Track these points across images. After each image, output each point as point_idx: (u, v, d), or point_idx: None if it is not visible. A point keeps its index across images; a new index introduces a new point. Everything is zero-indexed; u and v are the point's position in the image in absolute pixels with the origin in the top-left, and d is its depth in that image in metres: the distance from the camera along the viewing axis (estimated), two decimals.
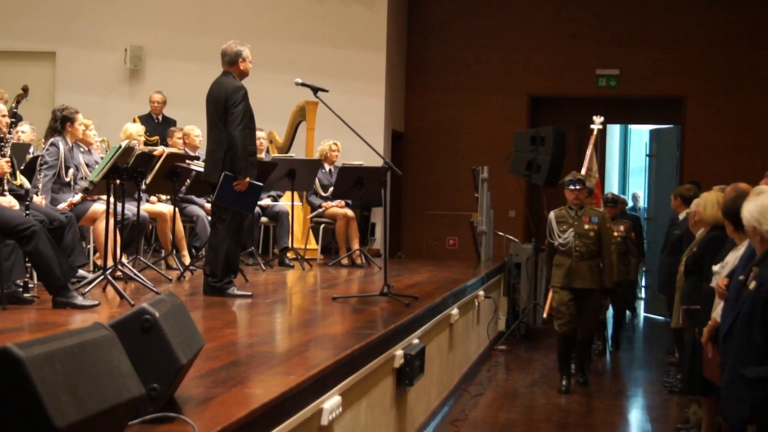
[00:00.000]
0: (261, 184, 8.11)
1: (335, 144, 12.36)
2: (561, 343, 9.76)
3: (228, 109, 8.00)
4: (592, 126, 13.01)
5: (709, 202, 7.59)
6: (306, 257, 11.56)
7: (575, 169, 11.48)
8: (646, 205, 17.96)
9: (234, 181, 7.94)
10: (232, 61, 8.22)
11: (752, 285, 5.12)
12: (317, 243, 12.42)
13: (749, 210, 5.12)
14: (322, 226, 12.22)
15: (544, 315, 11.41)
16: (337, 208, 12.06)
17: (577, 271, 9.59)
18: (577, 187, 9.73)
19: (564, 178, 10.07)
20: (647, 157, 17.32)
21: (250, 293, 8.12)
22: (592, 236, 9.64)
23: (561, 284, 9.65)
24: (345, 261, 11.74)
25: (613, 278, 9.97)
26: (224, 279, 8.10)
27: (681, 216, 9.69)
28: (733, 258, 6.19)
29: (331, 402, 4.87)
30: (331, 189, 12.03)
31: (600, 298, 10.08)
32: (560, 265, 9.69)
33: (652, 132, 17.36)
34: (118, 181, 8.07)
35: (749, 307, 5.08)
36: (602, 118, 13.01)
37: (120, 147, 8.00)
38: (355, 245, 11.91)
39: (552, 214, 9.87)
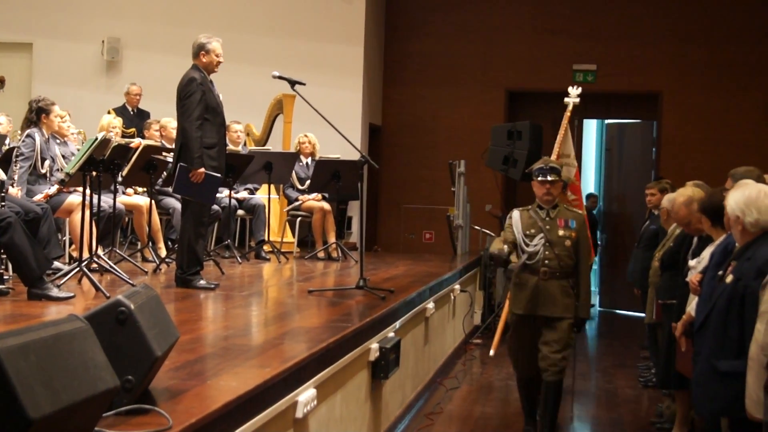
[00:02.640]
0: (218, 175, 8.09)
1: (305, 136, 12.36)
2: (522, 387, 7.80)
3: (181, 100, 8.09)
4: (566, 99, 11.07)
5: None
6: (282, 250, 11.55)
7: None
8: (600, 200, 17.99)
9: (189, 172, 8.00)
10: (195, 54, 8.27)
11: (729, 279, 5.16)
12: (294, 236, 12.42)
13: (735, 200, 5.15)
14: (299, 219, 12.22)
15: (491, 351, 9.24)
16: (314, 201, 12.05)
17: (545, 292, 7.27)
18: (549, 178, 7.31)
19: (532, 166, 7.59)
20: (605, 152, 17.41)
21: (213, 285, 8.11)
22: (568, 246, 7.29)
23: (523, 310, 7.36)
24: (321, 254, 11.74)
25: (589, 305, 7.59)
26: (189, 270, 8.11)
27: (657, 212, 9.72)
28: (709, 253, 6.23)
29: (306, 395, 4.88)
30: (308, 182, 12.03)
31: (570, 331, 7.39)
32: (522, 285, 7.36)
33: (608, 126, 17.44)
34: (94, 173, 8.05)
35: (725, 301, 5.11)
36: (579, 89, 11.16)
37: (96, 139, 7.97)
38: (332, 238, 11.92)
39: (515, 216, 7.49)
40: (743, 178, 6.18)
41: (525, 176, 9.84)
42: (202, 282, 8.08)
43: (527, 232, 7.35)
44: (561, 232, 7.32)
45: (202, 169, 7.98)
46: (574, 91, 11.10)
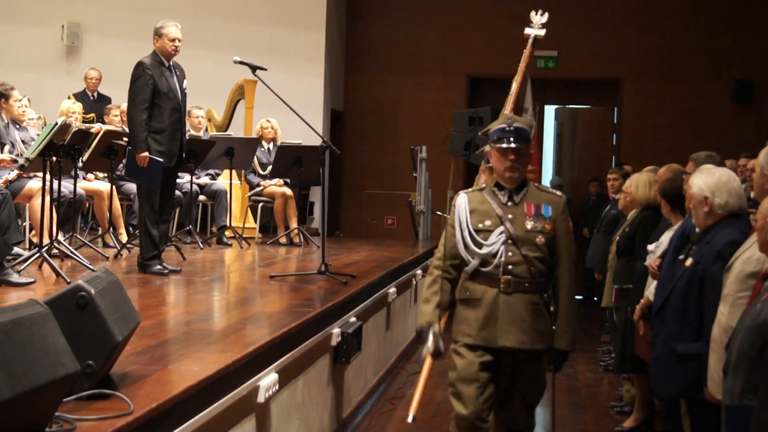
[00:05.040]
0: (161, 159, 8.07)
1: (267, 121, 12.35)
2: None
3: (130, 85, 8.12)
4: (527, 30, 8.66)
5: (641, 183, 7.73)
6: (244, 236, 11.54)
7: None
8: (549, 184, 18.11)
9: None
10: (153, 39, 8.28)
11: (689, 262, 5.23)
12: (255, 222, 12.40)
13: (704, 181, 5.20)
14: (261, 204, 12.21)
15: (411, 413, 5.46)
16: (276, 186, 12.04)
17: (508, 313, 5.01)
18: (514, 144, 5.05)
19: (489, 126, 5.31)
20: (555, 137, 17.53)
21: (167, 271, 8.09)
22: (541, 243, 5.03)
23: (473, 339, 5.09)
24: (283, 240, 11.74)
25: (573, 332, 5.14)
26: (146, 255, 8.12)
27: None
28: (667, 238, 6.30)
29: (267, 379, 4.90)
30: (270, 168, 12.01)
31: (542, 371, 5.22)
32: (472, 301, 5.11)
33: (557, 111, 17.54)
34: (54, 159, 8.01)
35: (685, 285, 5.19)
36: (544, 18, 8.66)
37: (56, 124, 7.93)
38: (294, 224, 11.92)
39: (460, 202, 5.19)
40: (705, 162, 6.25)
41: (487, 161, 6.83)
42: (157, 267, 8.07)
43: (480, 226, 5.07)
44: (530, 224, 5.03)
45: (145, 153, 7.99)
46: (538, 19, 8.68)
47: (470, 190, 5.31)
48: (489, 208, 5.10)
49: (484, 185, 5.32)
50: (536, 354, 5.09)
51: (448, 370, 5.26)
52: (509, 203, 5.10)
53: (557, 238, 5.10)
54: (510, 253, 5.01)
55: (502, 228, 5.02)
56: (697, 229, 5.35)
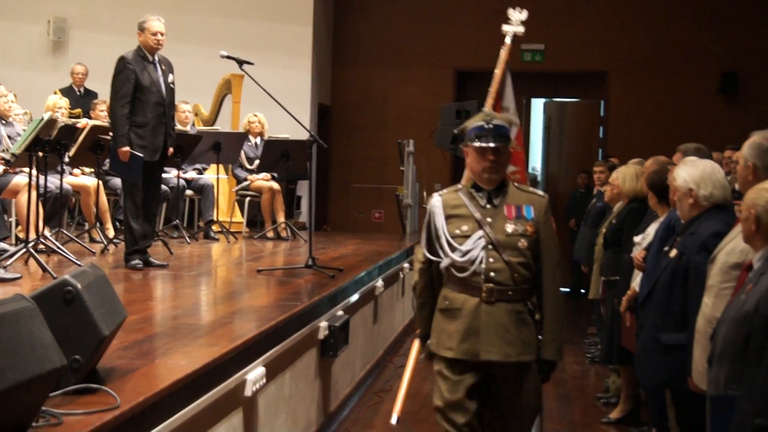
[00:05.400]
0: (140, 155, 8.06)
1: (255, 116, 12.35)
2: None
3: (111, 80, 8.16)
4: (505, 27, 8.17)
5: (627, 175, 7.75)
6: (231, 230, 11.54)
7: None
8: (540, 177, 18.13)
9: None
10: (137, 33, 8.32)
11: (673, 253, 5.25)
12: (243, 216, 12.41)
13: (689, 173, 5.24)
14: (248, 199, 12.21)
15: (394, 417, 6.21)
16: (263, 181, 12.05)
17: (489, 324, 4.65)
18: (493, 143, 4.70)
19: (466, 123, 4.90)
20: (544, 130, 17.59)
21: (140, 266, 8.09)
22: (524, 248, 4.68)
23: (455, 353, 4.71)
24: (270, 234, 11.74)
25: (561, 340, 4.82)
26: (128, 249, 8.13)
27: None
28: (653, 230, 6.32)
29: (255, 373, 4.92)
30: (257, 162, 12.01)
31: (536, 382, 4.84)
32: (452, 311, 4.75)
33: (546, 104, 17.57)
34: (40, 154, 8.01)
35: (669, 275, 5.22)
36: (524, 15, 8.17)
37: (42, 119, 7.93)
38: (281, 218, 11.92)
39: (435, 203, 4.82)
40: (694, 155, 6.29)
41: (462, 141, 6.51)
42: (133, 262, 8.07)
43: (456, 231, 4.71)
44: (511, 227, 4.69)
45: (126, 148, 8.00)
46: (517, 16, 8.22)
47: (444, 191, 4.88)
48: (466, 212, 4.73)
49: (460, 186, 4.90)
50: (524, 367, 4.72)
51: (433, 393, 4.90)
52: (488, 206, 4.73)
53: (540, 241, 4.74)
54: (491, 259, 4.64)
55: (480, 232, 4.66)
56: (682, 221, 5.38)
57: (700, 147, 6.75)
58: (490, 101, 7.79)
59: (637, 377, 6.06)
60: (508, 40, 8.10)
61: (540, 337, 4.73)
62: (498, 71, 7.96)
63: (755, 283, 3.94)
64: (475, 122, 4.78)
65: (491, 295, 4.63)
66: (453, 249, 4.67)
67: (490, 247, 4.63)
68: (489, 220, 4.68)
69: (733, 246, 4.59)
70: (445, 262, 4.71)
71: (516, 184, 4.88)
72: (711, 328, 4.38)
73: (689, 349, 4.80)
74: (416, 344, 5.64)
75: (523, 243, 4.66)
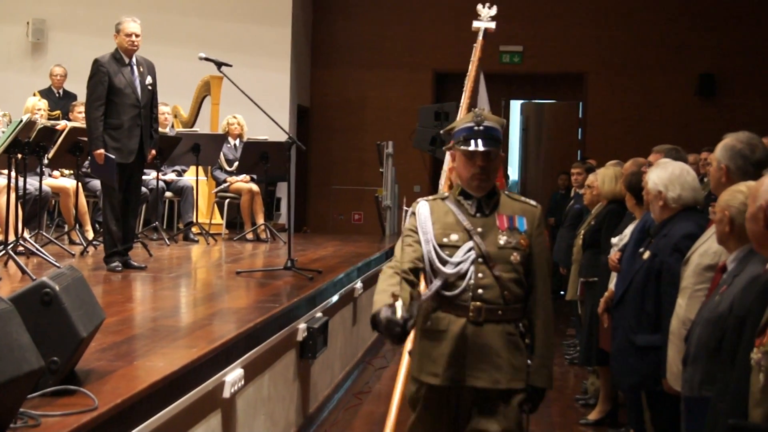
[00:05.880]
0: (113, 156, 8.07)
1: (234, 117, 12.35)
2: None
3: (87, 83, 8.20)
4: (475, 24, 7.83)
5: (606, 177, 7.78)
6: (211, 232, 11.54)
7: None
8: (517, 178, 18.20)
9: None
10: (114, 35, 8.33)
11: (646, 255, 5.30)
12: (222, 218, 12.41)
13: (658, 176, 5.31)
14: (227, 200, 12.22)
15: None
16: (242, 182, 12.05)
17: (477, 347, 4.15)
18: (483, 147, 4.18)
19: (453, 124, 4.42)
20: (521, 131, 17.66)
21: (119, 269, 8.06)
22: (516, 262, 4.20)
23: (440, 378, 4.20)
24: (250, 236, 11.75)
25: (551, 366, 4.32)
26: (107, 251, 8.15)
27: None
28: (630, 231, 6.36)
29: (233, 375, 4.93)
30: (236, 164, 12.01)
31: (520, 413, 4.27)
32: (435, 333, 4.23)
33: (523, 105, 17.63)
34: (19, 156, 8.01)
35: (643, 277, 5.26)
36: (493, 11, 7.84)
37: (21, 121, 7.93)
38: (260, 220, 11.93)
39: (421, 210, 4.31)
40: (668, 155, 6.34)
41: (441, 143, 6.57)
42: (113, 264, 8.06)
43: (444, 240, 4.21)
44: (503, 239, 4.21)
45: (100, 150, 8.00)
46: (486, 12, 7.85)
47: (430, 198, 4.41)
48: (454, 220, 4.23)
49: (446, 194, 4.41)
50: (512, 395, 4.19)
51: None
52: (478, 214, 4.23)
53: (532, 256, 4.25)
54: (480, 274, 4.13)
55: (470, 243, 4.15)
56: (655, 222, 5.44)
57: (675, 148, 6.80)
58: (465, 102, 7.52)
59: (613, 378, 6.11)
60: (480, 36, 7.81)
61: (529, 362, 4.22)
62: (471, 68, 7.80)
63: (729, 285, 3.99)
64: (463, 123, 4.29)
65: (479, 315, 4.12)
66: (442, 261, 4.15)
67: (480, 260, 4.14)
68: (479, 230, 4.19)
69: (707, 248, 4.63)
70: (434, 285, 4.15)
71: (507, 192, 4.41)
72: (685, 330, 4.42)
73: (663, 351, 4.84)
74: (405, 361, 5.07)
75: (515, 257, 4.18)
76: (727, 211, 4.10)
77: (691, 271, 4.67)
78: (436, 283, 4.15)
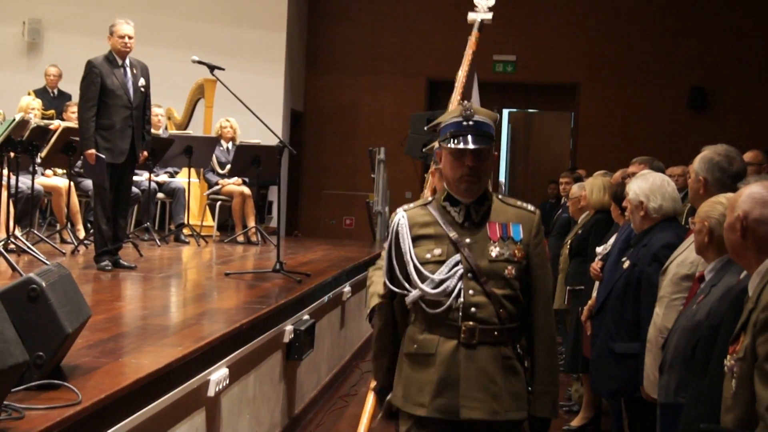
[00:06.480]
0: (103, 156, 8.13)
1: (227, 120, 12.39)
2: None
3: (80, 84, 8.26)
4: (471, 15, 7.66)
5: (595, 187, 7.84)
6: (202, 234, 11.58)
7: None
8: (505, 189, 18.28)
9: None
10: (107, 37, 8.39)
11: (626, 264, 5.37)
12: (213, 220, 12.45)
13: (639, 186, 5.39)
14: (219, 203, 12.26)
15: None
16: (234, 185, 12.10)
17: (471, 372, 3.67)
18: (473, 144, 3.67)
19: (440, 118, 3.85)
20: (509, 140, 17.72)
21: (109, 266, 8.12)
22: (511, 276, 3.71)
23: (428, 410, 3.69)
24: (241, 238, 11.78)
25: (556, 393, 3.88)
26: (98, 250, 8.20)
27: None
28: (613, 241, 6.43)
29: (218, 374, 4.98)
30: (229, 166, 12.06)
31: None
32: (423, 357, 3.74)
33: (511, 114, 17.70)
34: (12, 154, 8.06)
35: (622, 286, 5.33)
36: (491, 1, 7.60)
37: (14, 119, 7.98)
38: (251, 223, 11.97)
39: (400, 220, 3.79)
40: (652, 165, 6.43)
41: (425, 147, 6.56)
42: (102, 263, 8.11)
43: (427, 255, 3.72)
44: (496, 251, 3.71)
45: (92, 151, 8.07)
46: (484, 2, 7.58)
47: (411, 205, 3.86)
48: (438, 231, 3.73)
49: (430, 198, 3.90)
50: (514, 425, 3.72)
51: None
52: (466, 223, 3.73)
53: (531, 269, 3.75)
54: (471, 291, 3.65)
55: (457, 257, 3.66)
56: (636, 232, 5.51)
57: (650, 158, 6.90)
58: (456, 97, 7.14)
59: (592, 386, 6.17)
60: (475, 29, 7.53)
61: (530, 388, 3.76)
62: (465, 63, 7.42)
63: (707, 294, 4.06)
64: (450, 117, 3.75)
65: (472, 337, 3.64)
66: (423, 278, 3.66)
67: (469, 275, 3.65)
68: (468, 241, 3.69)
69: (684, 257, 4.70)
70: (412, 296, 3.70)
71: (500, 196, 3.86)
72: (662, 338, 4.49)
73: (641, 359, 4.91)
74: (371, 398, 4.76)
75: (510, 271, 3.68)
76: (706, 222, 4.17)
77: (669, 281, 4.73)
78: (413, 294, 3.68)
